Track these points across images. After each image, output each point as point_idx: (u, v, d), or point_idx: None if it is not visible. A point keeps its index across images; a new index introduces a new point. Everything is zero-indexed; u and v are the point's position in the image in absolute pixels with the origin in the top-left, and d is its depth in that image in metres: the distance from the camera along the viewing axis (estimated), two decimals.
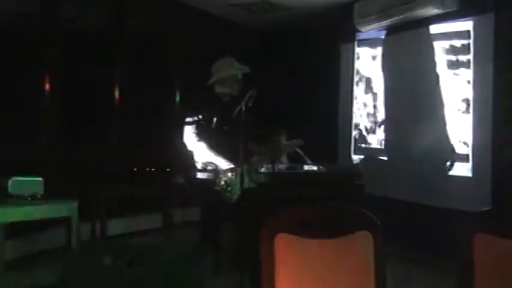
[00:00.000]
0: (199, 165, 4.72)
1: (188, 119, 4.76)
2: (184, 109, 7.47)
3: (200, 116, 4.71)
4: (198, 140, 4.68)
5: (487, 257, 2.22)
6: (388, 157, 6.64)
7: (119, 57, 6.92)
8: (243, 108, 4.35)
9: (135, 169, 7.24)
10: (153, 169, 7.47)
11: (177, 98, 7.62)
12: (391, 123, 6.60)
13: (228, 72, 4.71)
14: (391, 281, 2.27)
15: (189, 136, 4.72)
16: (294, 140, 5.24)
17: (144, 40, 7.38)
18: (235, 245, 4.71)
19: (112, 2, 6.93)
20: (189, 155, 4.76)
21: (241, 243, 4.54)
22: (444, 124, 5.84)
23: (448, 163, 5.81)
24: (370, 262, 2.19)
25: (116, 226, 6.31)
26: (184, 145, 4.77)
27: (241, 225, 4.54)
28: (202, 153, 4.67)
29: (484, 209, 2.46)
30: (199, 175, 4.67)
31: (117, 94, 6.89)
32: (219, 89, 4.75)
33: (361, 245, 2.20)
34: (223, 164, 4.54)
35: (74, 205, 4.28)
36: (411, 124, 6.27)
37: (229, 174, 4.40)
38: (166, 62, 7.55)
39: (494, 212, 2.52)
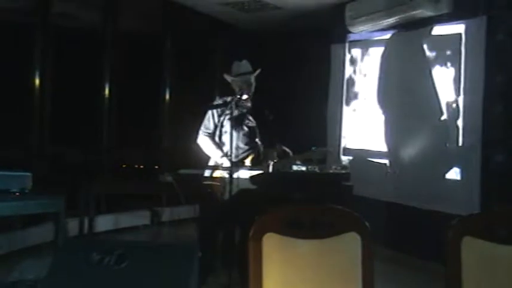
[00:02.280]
0: (196, 162, 4.76)
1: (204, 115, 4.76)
2: (174, 107, 7.48)
3: (214, 113, 4.73)
4: (205, 138, 4.73)
5: (475, 260, 2.22)
6: (378, 159, 6.65)
7: (109, 55, 6.89)
8: (233, 106, 4.39)
9: (124, 165, 7.23)
10: (141, 166, 7.47)
11: (167, 96, 7.59)
12: (384, 124, 6.59)
13: (236, 77, 4.74)
14: (379, 282, 2.27)
15: (199, 134, 4.75)
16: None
17: (135, 39, 7.36)
18: (225, 245, 4.72)
19: (102, 1, 6.90)
20: (182, 151, 4.79)
21: (232, 242, 4.55)
22: (444, 128, 5.83)
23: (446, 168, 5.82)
24: (358, 263, 2.19)
25: (104, 222, 6.29)
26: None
27: (231, 225, 4.56)
28: (208, 151, 4.71)
29: (472, 213, 2.46)
30: (193, 172, 4.67)
31: (106, 91, 6.86)
32: (236, 90, 4.76)
33: (349, 246, 2.20)
34: (225, 162, 4.55)
35: (61, 201, 4.26)
36: (404, 126, 6.28)
37: (223, 173, 4.40)
38: (158, 60, 7.54)
39: (483, 215, 2.52)
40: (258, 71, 4.80)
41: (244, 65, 4.80)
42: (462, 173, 5.61)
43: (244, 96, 4.58)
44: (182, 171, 4.70)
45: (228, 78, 4.80)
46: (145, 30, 7.55)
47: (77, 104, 6.60)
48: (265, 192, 4.27)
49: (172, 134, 7.40)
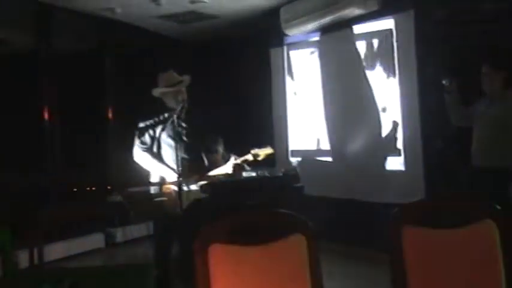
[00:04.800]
0: (142, 179, 4.68)
1: (138, 131, 4.69)
2: (119, 124, 7.39)
3: (148, 127, 4.66)
4: (143, 153, 4.64)
5: (417, 248, 2.28)
6: (324, 158, 6.75)
7: (47, 76, 6.76)
8: (175, 120, 4.36)
9: (75, 189, 7.09)
10: (93, 188, 7.34)
11: (111, 114, 7.50)
12: (326, 123, 6.69)
13: (164, 88, 4.67)
14: (329, 278, 2.31)
15: (134, 150, 4.66)
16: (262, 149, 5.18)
17: (73, 58, 7.25)
18: (180, 259, 4.68)
19: (37, 20, 6.76)
20: (129, 170, 4.72)
21: (185, 256, 4.52)
22: (378, 121, 5.97)
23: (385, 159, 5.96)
24: (305, 263, 2.22)
25: (56, 250, 6.15)
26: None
27: (184, 238, 4.52)
28: (152, 166, 4.64)
29: (413, 201, 2.51)
30: (142, 189, 4.61)
31: (46, 114, 6.72)
32: (166, 102, 4.71)
33: (295, 248, 2.23)
34: (166, 176, 4.52)
35: (7, 233, 4.13)
36: (345, 123, 6.39)
37: (172, 187, 4.37)
38: (98, 79, 7.44)
39: (421, 203, 2.59)
40: (187, 79, 4.72)
41: (172, 75, 4.72)
42: (406, 164, 5.76)
43: (178, 107, 4.55)
44: (131, 189, 4.65)
45: (156, 92, 4.69)
46: (84, 50, 7.44)
47: (18, 130, 6.45)
48: (218, 202, 4.26)
49: (121, 152, 7.30)
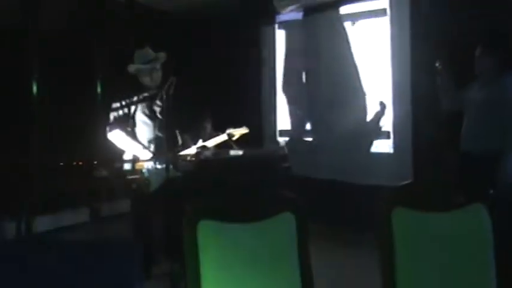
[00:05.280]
0: (124, 156, 4.62)
1: (111, 109, 4.62)
2: (106, 100, 7.31)
3: (123, 105, 4.60)
4: (120, 130, 4.57)
5: (406, 230, 2.27)
6: (313, 138, 6.73)
7: (34, 52, 6.66)
8: (164, 96, 4.30)
9: (61, 164, 7.03)
10: (80, 163, 7.28)
11: (98, 89, 7.41)
12: (315, 104, 6.67)
13: (139, 65, 4.59)
14: (316, 259, 2.30)
15: (111, 126, 4.59)
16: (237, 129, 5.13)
17: (58, 34, 7.12)
18: (164, 235, 4.67)
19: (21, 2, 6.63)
20: (113, 147, 4.66)
21: (170, 233, 4.51)
22: (365, 103, 5.96)
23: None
24: (294, 243, 2.20)
25: (43, 222, 6.12)
26: (107, 136, 4.65)
27: (168, 214, 4.50)
28: (125, 144, 4.57)
29: (402, 183, 2.49)
30: (124, 166, 4.56)
31: (35, 89, 6.64)
32: (141, 79, 4.64)
33: (284, 227, 2.21)
34: (146, 153, 4.47)
35: None
36: (333, 104, 6.36)
37: (152, 163, 4.32)
38: (84, 53, 7.33)
39: (413, 185, 2.57)
40: (162, 56, 4.64)
41: (148, 52, 4.64)
42: (394, 147, 5.76)
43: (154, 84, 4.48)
44: (117, 165, 4.61)
45: (132, 68, 4.62)
46: (70, 26, 7.30)
47: (4, 103, 6.35)
48: (203, 179, 4.23)
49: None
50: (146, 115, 4.56)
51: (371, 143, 5.96)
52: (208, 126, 5.97)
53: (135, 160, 4.42)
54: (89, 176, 6.07)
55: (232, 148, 5.41)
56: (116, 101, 4.60)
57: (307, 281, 2.18)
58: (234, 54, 7.77)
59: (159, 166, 4.20)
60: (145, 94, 4.60)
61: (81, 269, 2.51)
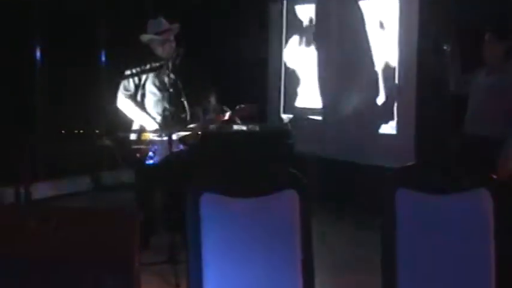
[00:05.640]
0: (128, 126, 4.63)
1: (122, 77, 4.61)
2: (110, 69, 7.27)
3: (133, 73, 4.59)
4: (126, 100, 4.57)
5: (409, 212, 2.28)
6: (319, 116, 6.70)
7: (38, 17, 6.61)
8: (170, 66, 4.29)
9: (63, 131, 7.03)
10: (81, 131, 7.28)
11: (103, 58, 7.38)
12: (323, 82, 6.62)
13: (152, 36, 4.56)
14: (318, 238, 2.31)
15: (118, 96, 4.59)
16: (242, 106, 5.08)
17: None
18: (166, 207, 4.69)
19: None
20: (117, 116, 4.66)
21: (172, 204, 4.53)
22: (376, 83, 5.92)
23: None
24: (296, 220, 2.21)
25: (43, 189, 6.15)
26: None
27: (171, 186, 4.52)
28: (133, 113, 4.58)
29: (406, 165, 2.49)
30: (129, 136, 4.56)
31: (38, 55, 6.61)
32: (154, 50, 4.61)
33: (287, 203, 2.21)
34: (151, 124, 4.47)
35: None
36: (343, 83, 6.33)
37: (157, 135, 4.32)
38: (90, 20, 7.27)
39: (416, 166, 2.57)
40: (176, 27, 4.61)
41: (162, 22, 4.59)
42: (398, 128, 5.75)
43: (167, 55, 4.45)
44: (121, 134, 4.61)
45: (145, 37, 4.59)
46: None
47: (7, 68, 6.32)
48: (206, 153, 4.24)
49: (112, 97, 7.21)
50: (156, 86, 4.54)
51: (379, 125, 5.93)
52: (213, 100, 5.94)
53: (141, 131, 4.43)
54: (91, 144, 6.10)
55: (235, 123, 5.41)
56: (127, 70, 4.59)
57: (307, 258, 2.20)
58: (243, 28, 7.71)
59: (165, 138, 4.19)
60: (157, 64, 4.56)
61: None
